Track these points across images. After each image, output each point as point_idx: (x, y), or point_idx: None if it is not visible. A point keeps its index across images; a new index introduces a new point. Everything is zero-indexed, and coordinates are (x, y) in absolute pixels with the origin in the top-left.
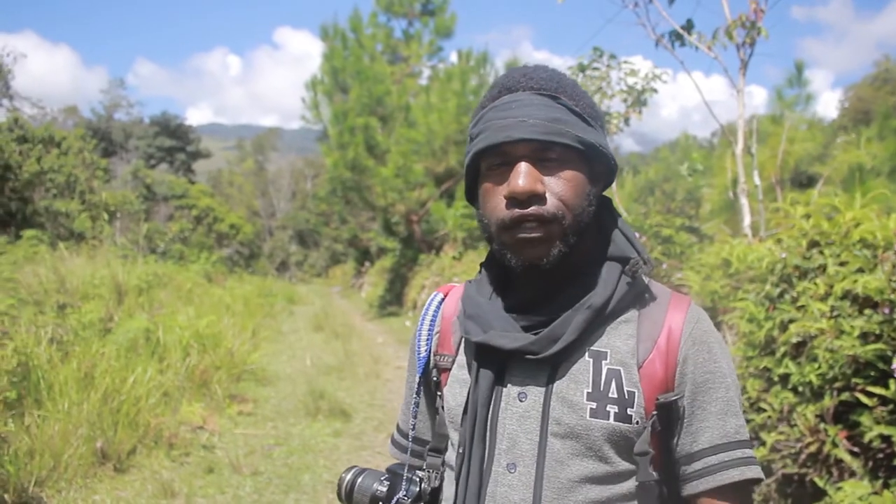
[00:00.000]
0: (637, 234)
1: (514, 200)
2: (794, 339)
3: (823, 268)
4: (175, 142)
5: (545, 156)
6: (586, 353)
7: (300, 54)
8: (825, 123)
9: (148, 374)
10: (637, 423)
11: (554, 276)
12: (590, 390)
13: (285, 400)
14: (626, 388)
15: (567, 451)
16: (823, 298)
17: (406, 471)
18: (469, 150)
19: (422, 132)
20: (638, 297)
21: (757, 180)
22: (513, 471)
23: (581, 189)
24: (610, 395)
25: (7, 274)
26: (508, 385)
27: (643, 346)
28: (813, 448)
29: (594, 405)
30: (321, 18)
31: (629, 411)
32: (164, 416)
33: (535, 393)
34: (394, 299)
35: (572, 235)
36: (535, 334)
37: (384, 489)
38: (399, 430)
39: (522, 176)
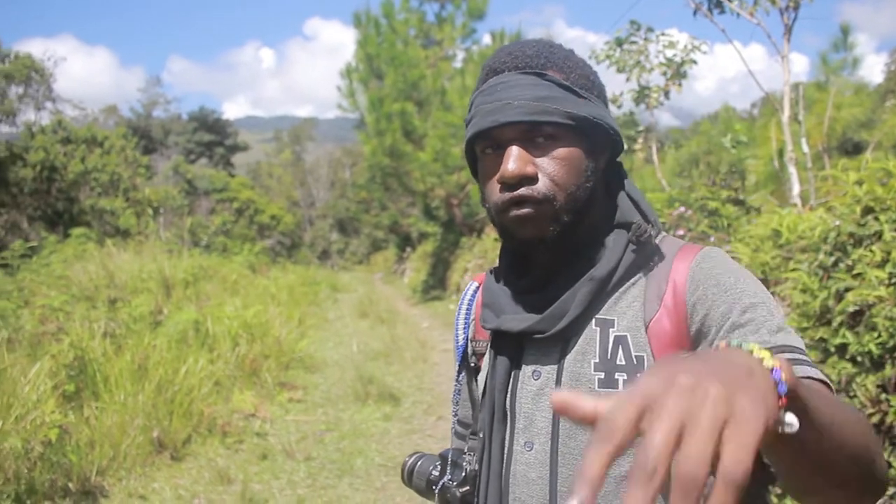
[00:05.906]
0: (683, 208)
1: (505, 184)
2: (851, 308)
3: (879, 234)
4: (213, 136)
5: (535, 136)
6: (593, 323)
7: (332, 44)
8: (871, 88)
9: (199, 365)
10: None
11: (562, 252)
12: (597, 360)
13: (334, 386)
14: (633, 354)
15: (580, 426)
16: (881, 265)
17: (452, 454)
18: (465, 138)
19: (458, 115)
20: (647, 259)
21: (805, 148)
22: (530, 448)
23: (576, 166)
24: (618, 362)
25: (59, 271)
26: (524, 366)
27: (649, 306)
28: (875, 419)
29: (602, 375)
30: (349, 8)
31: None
32: (216, 404)
33: (548, 370)
34: (437, 283)
35: (566, 214)
36: (543, 313)
37: (437, 473)
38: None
39: (512, 160)
